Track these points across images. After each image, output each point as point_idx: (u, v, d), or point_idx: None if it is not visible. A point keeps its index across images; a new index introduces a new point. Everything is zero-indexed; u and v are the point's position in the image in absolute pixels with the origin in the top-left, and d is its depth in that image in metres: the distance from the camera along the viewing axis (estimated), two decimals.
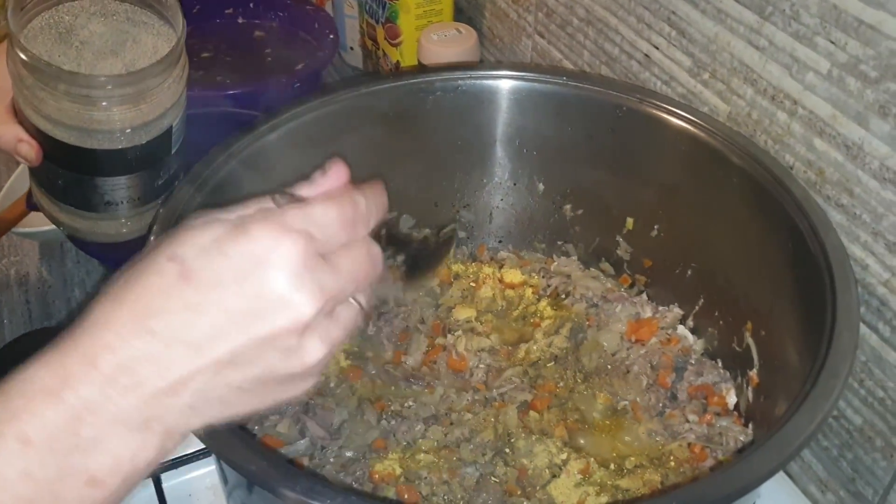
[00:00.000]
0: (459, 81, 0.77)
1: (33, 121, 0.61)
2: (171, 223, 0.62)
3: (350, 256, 0.42)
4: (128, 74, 0.59)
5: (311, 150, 0.74)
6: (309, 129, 0.73)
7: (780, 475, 0.75)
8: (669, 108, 0.72)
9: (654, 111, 0.72)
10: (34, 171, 0.66)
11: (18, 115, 0.62)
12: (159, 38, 0.63)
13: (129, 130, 0.61)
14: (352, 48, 1.23)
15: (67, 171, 0.63)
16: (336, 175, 0.44)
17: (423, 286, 0.79)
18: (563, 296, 0.83)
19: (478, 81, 0.77)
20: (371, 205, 0.44)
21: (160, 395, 0.37)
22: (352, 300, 0.42)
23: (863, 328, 0.64)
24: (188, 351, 0.37)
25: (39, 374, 0.36)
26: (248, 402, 0.40)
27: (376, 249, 0.44)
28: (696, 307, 0.77)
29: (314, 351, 0.40)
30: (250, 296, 0.37)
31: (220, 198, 0.67)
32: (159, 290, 0.37)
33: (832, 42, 0.60)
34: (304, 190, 0.44)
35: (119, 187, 0.65)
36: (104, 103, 0.59)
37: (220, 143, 0.68)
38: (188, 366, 0.37)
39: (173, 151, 0.66)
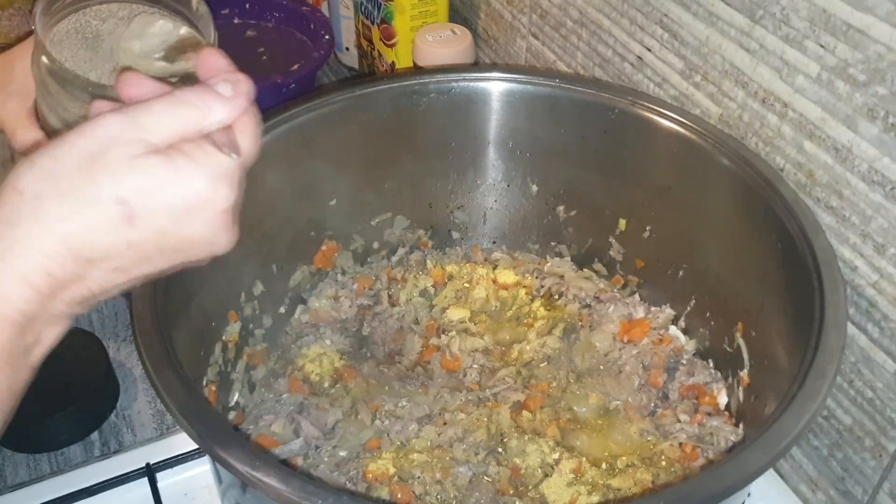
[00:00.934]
0: (453, 83, 0.77)
1: (56, 127, 0.59)
2: None
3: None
4: None
5: (305, 150, 0.75)
6: (303, 129, 0.73)
7: (772, 474, 0.76)
8: (661, 110, 0.72)
9: (646, 113, 0.73)
10: None
11: (40, 119, 0.61)
12: None
13: None
14: (347, 49, 1.23)
15: None
16: (239, 91, 0.45)
17: None
18: (557, 296, 0.84)
19: (471, 83, 0.77)
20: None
21: (84, 301, 0.43)
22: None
23: (852, 329, 0.65)
24: (116, 274, 0.43)
25: None
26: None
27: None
28: (688, 308, 0.78)
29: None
30: (184, 238, 0.43)
31: None
32: (104, 230, 0.41)
33: (821, 45, 0.61)
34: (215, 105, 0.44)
35: None
36: None
37: None
38: (110, 282, 0.43)
39: None
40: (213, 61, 0.46)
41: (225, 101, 0.43)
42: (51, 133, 0.60)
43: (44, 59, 0.56)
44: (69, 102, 0.57)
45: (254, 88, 0.46)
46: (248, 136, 0.45)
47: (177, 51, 0.59)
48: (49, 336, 0.43)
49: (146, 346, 0.53)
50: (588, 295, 0.82)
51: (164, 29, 0.58)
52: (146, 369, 0.52)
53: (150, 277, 0.45)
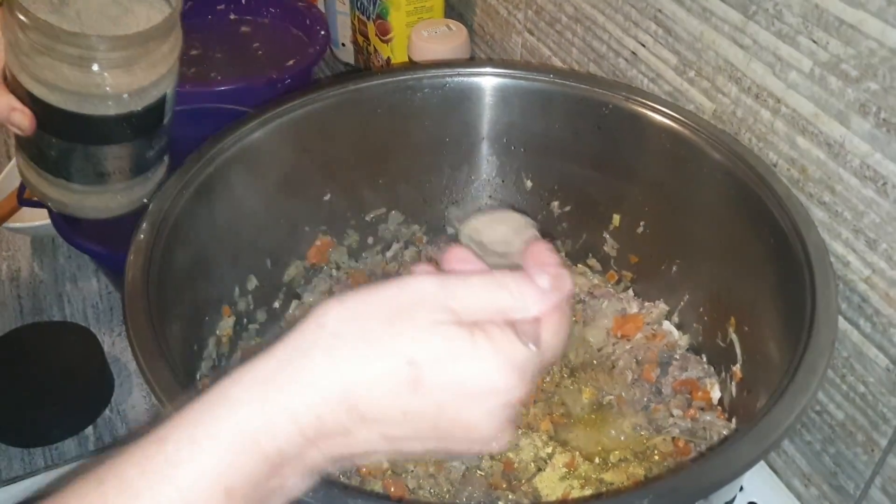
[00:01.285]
0: (447, 78, 0.77)
1: (28, 87, 0.60)
2: (160, 219, 0.62)
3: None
4: (125, 36, 0.59)
5: (299, 146, 0.75)
6: (298, 125, 0.73)
7: (765, 469, 0.76)
8: (655, 105, 0.72)
9: (640, 109, 0.73)
10: (23, 144, 0.66)
11: (11, 83, 0.62)
12: (153, 10, 0.64)
13: (125, 96, 0.61)
14: (343, 44, 1.23)
15: (60, 139, 0.63)
16: (558, 287, 0.42)
17: None
18: None
19: (465, 79, 0.77)
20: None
21: (341, 459, 0.41)
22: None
23: (844, 324, 0.65)
24: (382, 441, 0.40)
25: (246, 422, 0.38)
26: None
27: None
28: (682, 303, 0.78)
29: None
30: (460, 421, 0.40)
31: (209, 194, 0.67)
32: (387, 388, 0.39)
33: (814, 41, 0.61)
34: (531, 303, 0.42)
35: (112, 157, 0.64)
36: (100, 66, 0.59)
37: (208, 139, 0.69)
38: (373, 446, 0.40)
39: (165, 121, 0.66)
40: (542, 256, 0.44)
41: (541, 294, 0.41)
42: (22, 95, 0.61)
43: (19, 15, 0.57)
44: (42, 58, 0.58)
45: (572, 287, 0.43)
46: (553, 332, 0.42)
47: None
48: (292, 487, 0.40)
49: (139, 341, 0.53)
50: (582, 290, 0.82)
51: (517, 224, 0.53)
52: (139, 364, 0.52)
53: (408, 457, 0.43)
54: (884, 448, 0.64)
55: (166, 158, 0.69)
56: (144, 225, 0.61)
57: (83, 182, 0.66)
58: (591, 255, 0.85)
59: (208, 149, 0.68)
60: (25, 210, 0.90)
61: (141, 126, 0.64)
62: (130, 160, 0.66)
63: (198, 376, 0.68)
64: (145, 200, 0.66)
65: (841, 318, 0.65)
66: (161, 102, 0.64)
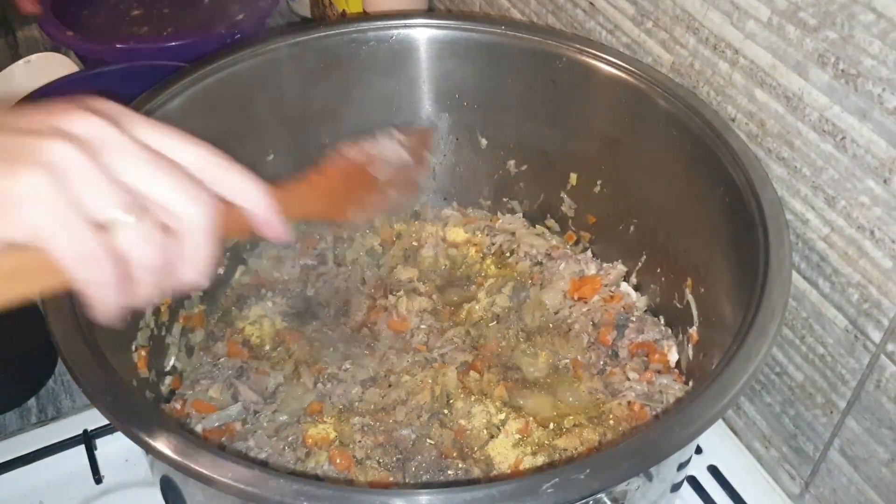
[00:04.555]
0: (394, 31, 0.73)
1: None
2: None
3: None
4: None
5: (236, 104, 0.71)
6: (235, 80, 0.70)
7: (725, 431, 0.75)
8: (609, 58, 0.69)
9: (594, 62, 0.70)
10: None
11: None
12: None
13: None
14: None
15: None
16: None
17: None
18: (508, 254, 0.81)
19: (412, 31, 0.74)
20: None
21: None
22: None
23: (803, 284, 0.63)
24: None
25: None
26: None
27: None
28: (639, 263, 0.76)
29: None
30: None
31: None
32: None
33: None
34: None
35: None
36: None
37: (139, 96, 0.65)
38: None
39: None
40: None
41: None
42: None
43: None
44: None
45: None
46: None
47: None
48: None
49: (53, 313, 0.50)
50: (539, 252, 0.80)
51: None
52: (53, 338, 0.49)
53: None
54: (842, 410, 0.63)
55: None
56: None
57: None
58: (549, 215, 0.83)
59: (138, 107, 0.64)
60: None
61: None
62: None
63: (133, 347, 0.65)
64: None
65: (800, 278, 0.63)
66: None
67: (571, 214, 0.80)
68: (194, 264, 0.39)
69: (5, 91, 0.98)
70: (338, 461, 0.64)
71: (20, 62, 1.01)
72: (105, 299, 0.37)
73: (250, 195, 0.42)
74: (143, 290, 0.39)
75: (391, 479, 0.63)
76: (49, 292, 0.38)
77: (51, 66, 1.00)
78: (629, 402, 0.68)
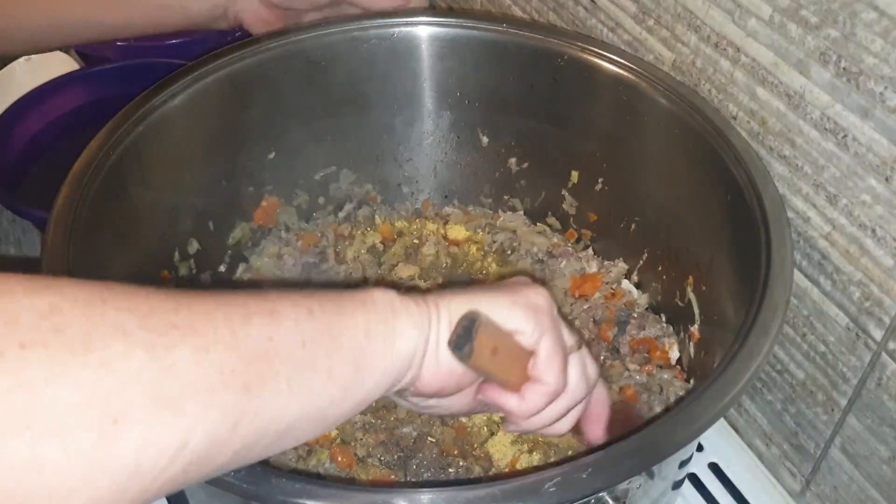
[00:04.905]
0: (395, 29, 0.73)
1: None
2: (84, 181, 0.59)
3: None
4: None
5: (238, 102, 0.71)
6: (235, 79, 0.70)
7: (726, 429, 0.75)
8: (611, 56, 0.69)
9: (596, 60, 0.70)
10: None
11: None
12: None
13: None
14: None
15: None
16: None
17: None
18: (509, 252, 0.81)
19: (414, 28, 0.73)
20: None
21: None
22: None
23: (804, 282, 0.63)
24: None
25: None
26: None
27: None
28: (641, 261, 0.76)
29: None
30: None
31: (139, 154, 0.63)
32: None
33: None
34: None
35: None
36: None
37: (139, 95, 0.65)
38: None
39: None
40: None
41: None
42: None
43: None
44: None
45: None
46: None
47: None
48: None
49: None
50: (541, 250, 0.80)
51: None
52: None
53: None
54: (843, 408, 0.63)
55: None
56: (65, 188, 0.57)
57: None
58: (550, 213, 0.82)
59: (138, 106, 0.64)
60: None
61: None
62: None
63: None
64: None
65: (801, 276, 0.63)
66: None
67: (573, 212, 0.80)
68: (570, 420, 0.51)
69: (6, 88, 0.99)
70: (339, 459, 0.64)
71: (21, 59, 1.02)
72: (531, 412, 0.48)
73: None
74: (551, 420, 0.49)
75: (392, 476, 0.63)
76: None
77: (51, 63, 1.00)
78: (621, 388, 0.68)
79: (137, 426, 0.30)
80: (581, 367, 0.49)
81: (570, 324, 0.72)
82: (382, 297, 0.42)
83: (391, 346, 0.41)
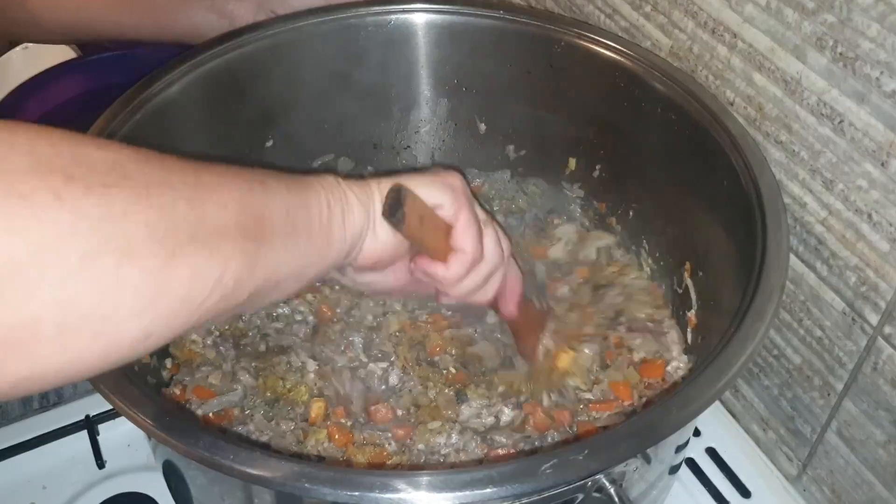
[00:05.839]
0: (392, 16, 0.73)
1: None
2: None
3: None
4: None
5: (234, 90, 0.71)
6: (231, 68, 0.70)
7: (723, 414, 0.75)
8: (607, 42, 0.69)
9: (593, 46, 0.70)
10: None
11: None
12: None
13: None
14: None
15: None
16: None
17: None
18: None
19: (410, 16, 0.74)
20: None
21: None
22: None
23: (801, 267, 0.63)
24: None
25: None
26: None
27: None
28: (640, 248, 0.76)
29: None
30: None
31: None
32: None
33: None
34: None
35: None
36: None
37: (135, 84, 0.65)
38: None
39: None
40: None
41: None
42: None
43: None
44: None
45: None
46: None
47: None
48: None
49: None
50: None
51: None
52: None
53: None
54: (839, 392, 0.63)
55: None
56: None
57: None
58: None
59: (135, 94, 0.64)
60: None
61: None
62: None
63: None
64: None
65: (798, 261, 0.63)
66: None
67: None
68: (492, 288, 0.58)
69: (4, 77, 0.98)
70: (336, 437, 0.64)
71: (18, 48, 1.01)
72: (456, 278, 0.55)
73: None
74: (475, 286, 0.56)
75: (385, 454, 0.63)
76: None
77: (49, 52, 1.00)
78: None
79: (189, 258, 0.37)
80: (494, 236, 0.56)
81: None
82: (333, 180, 0.49)
83: (348, 217, 0.48)
